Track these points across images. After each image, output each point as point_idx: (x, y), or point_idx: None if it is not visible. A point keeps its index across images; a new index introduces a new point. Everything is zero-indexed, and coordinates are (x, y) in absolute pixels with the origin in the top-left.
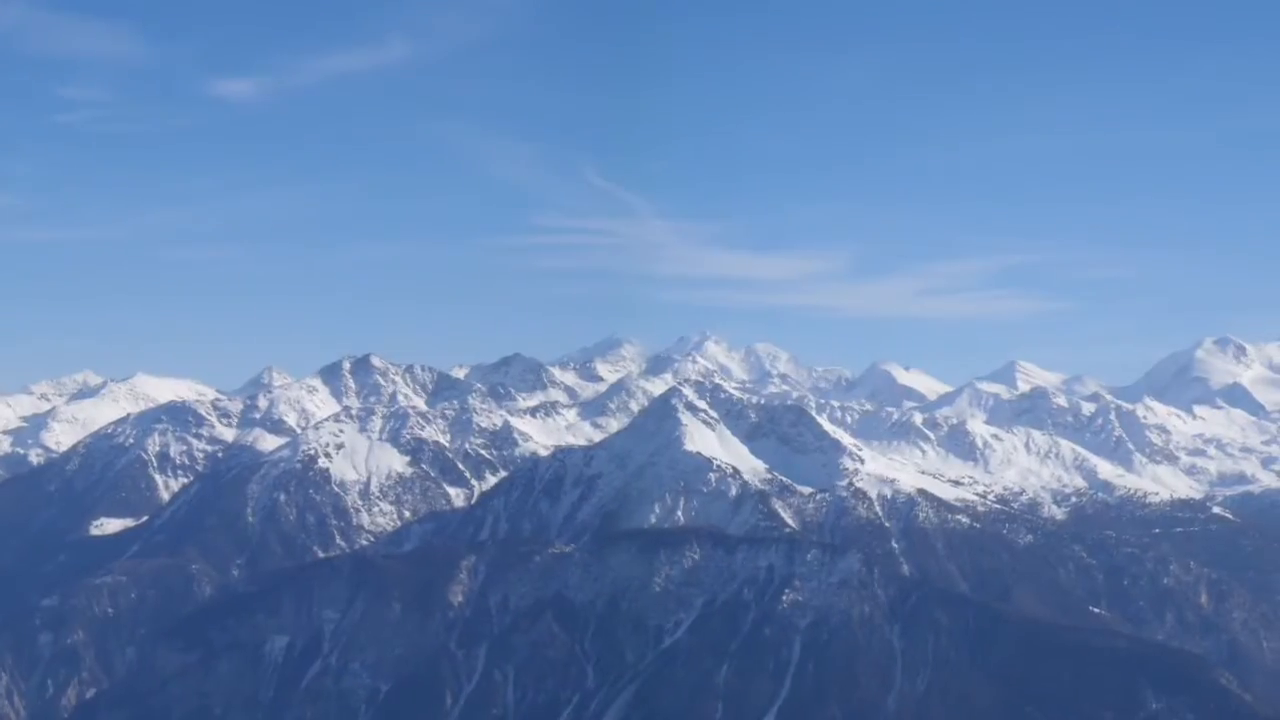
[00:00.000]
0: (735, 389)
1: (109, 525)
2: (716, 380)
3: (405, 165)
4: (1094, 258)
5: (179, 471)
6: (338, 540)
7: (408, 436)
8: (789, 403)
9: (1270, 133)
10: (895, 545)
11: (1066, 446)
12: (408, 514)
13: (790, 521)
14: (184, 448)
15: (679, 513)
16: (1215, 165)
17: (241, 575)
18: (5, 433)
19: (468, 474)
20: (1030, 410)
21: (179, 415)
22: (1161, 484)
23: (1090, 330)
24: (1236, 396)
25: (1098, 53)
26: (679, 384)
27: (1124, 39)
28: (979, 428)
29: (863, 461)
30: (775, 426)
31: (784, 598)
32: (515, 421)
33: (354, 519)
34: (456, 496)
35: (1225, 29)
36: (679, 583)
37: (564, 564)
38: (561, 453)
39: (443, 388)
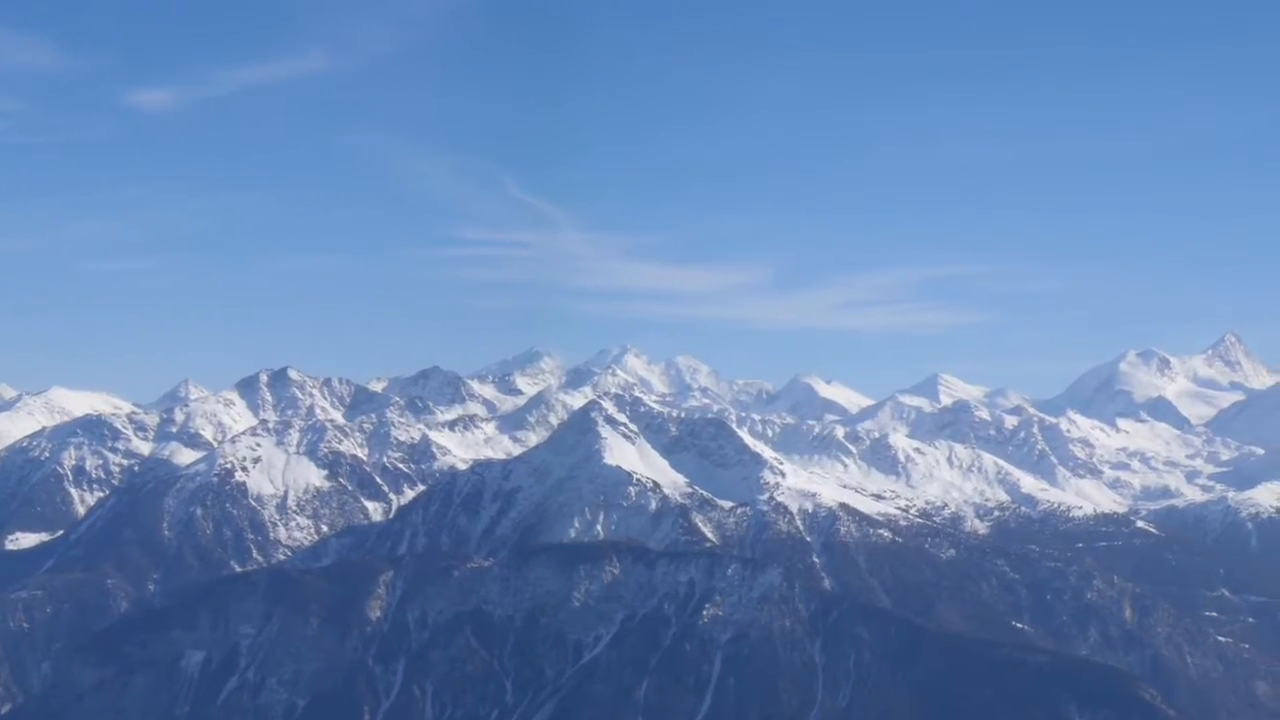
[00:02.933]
0: (655, 402)
1: (24, 539)
2: (637, 393)
3: (324, 177)
4: (1017, 270)
5: (95, 485)
6: (254, 555)
7: (325, 450)
8: (710, 416)
9: (1195, 145)
10: (816, 560)
11: (989, 460)
12: (325, 528)
13: (711, 536)
14: (100, 461)
15: (599, 527)
16: (1139, 177)
17: (158, 590)
18: None
19: (386, 488)
20: (953, 424)
21: (94, 429)
22: (1085, 498)
23: (1013, 343)
24: (1161, 409)
25: (1022, 64)
26: (599, 397)
27: (1048, 50)
28: (901, 441)
29: (784, 475)
30: (696, 440)
31: (704, 612)
32: (434, 435)
33: (271, 533)
34: (374, 510)
35: (1153, 40)
36: (599, 597)
37: (483, 579)
38: (480, 466)
39: (360, 401)
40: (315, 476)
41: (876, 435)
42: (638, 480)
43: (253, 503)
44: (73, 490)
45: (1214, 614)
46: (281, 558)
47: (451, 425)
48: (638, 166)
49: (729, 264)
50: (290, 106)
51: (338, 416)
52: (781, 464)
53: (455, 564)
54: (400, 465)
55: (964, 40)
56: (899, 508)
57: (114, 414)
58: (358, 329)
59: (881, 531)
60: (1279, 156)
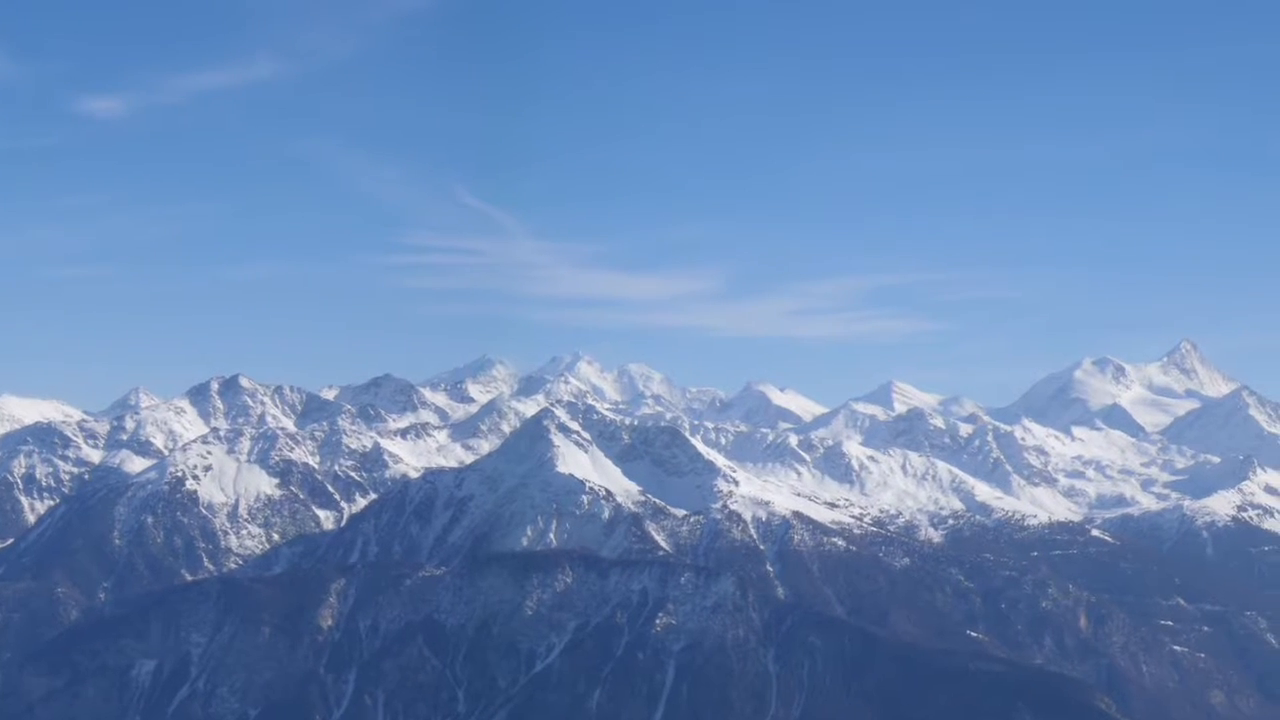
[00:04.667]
0: (608, 410)
1: None
2: (589, 401)
3: (274, 183)
4: (971, 277)
5: (45, 494)
6: (206, 563)
7: (276, 458)
8: (663, 424)
9: (1150, 152)
10: (770, 568)
11: (944, 468)
12: (276, 537)
13: (664, 544)
14: (50, 469)
15: (551, 535)
16: (1094, 184)
17: (108, 599)
18: None
19: (337, 496)
20: (907, 432)
21: (44, 437)
22: (1040, 506)
23: (968, 351)
24: (1116, 418)
25: (977, 70)
26: (551, 405)
27: (1004, 57)
28: (855, 449)
29: (737, 484)
30: (649, 448)
31: (657, 621)
32: (385, 443)
33: (222, 542)
34: (326, 519)
35: (1109, 48)
36: (551, 606)
37: (435, 587)
38: (432, 474)
39: (312, 409)
40: (266, 485)
41: (830, 443)
42: (590, 488)
43: (204, 511)
44: (23, 498)
45: (1169, 623)
46: (233, 566)
47: (403, 433)
48: (590, 174)
49: (682, 271)
50: (242, 113)
51: (289, 424)
52: (735, 472)
53: (407, 573)
54: (352, 473)
55: (918, 48)
56: (853, 516)
57: (64, 422)
58: (309, 336)
59: (835, 540)
60: (1235, 164)
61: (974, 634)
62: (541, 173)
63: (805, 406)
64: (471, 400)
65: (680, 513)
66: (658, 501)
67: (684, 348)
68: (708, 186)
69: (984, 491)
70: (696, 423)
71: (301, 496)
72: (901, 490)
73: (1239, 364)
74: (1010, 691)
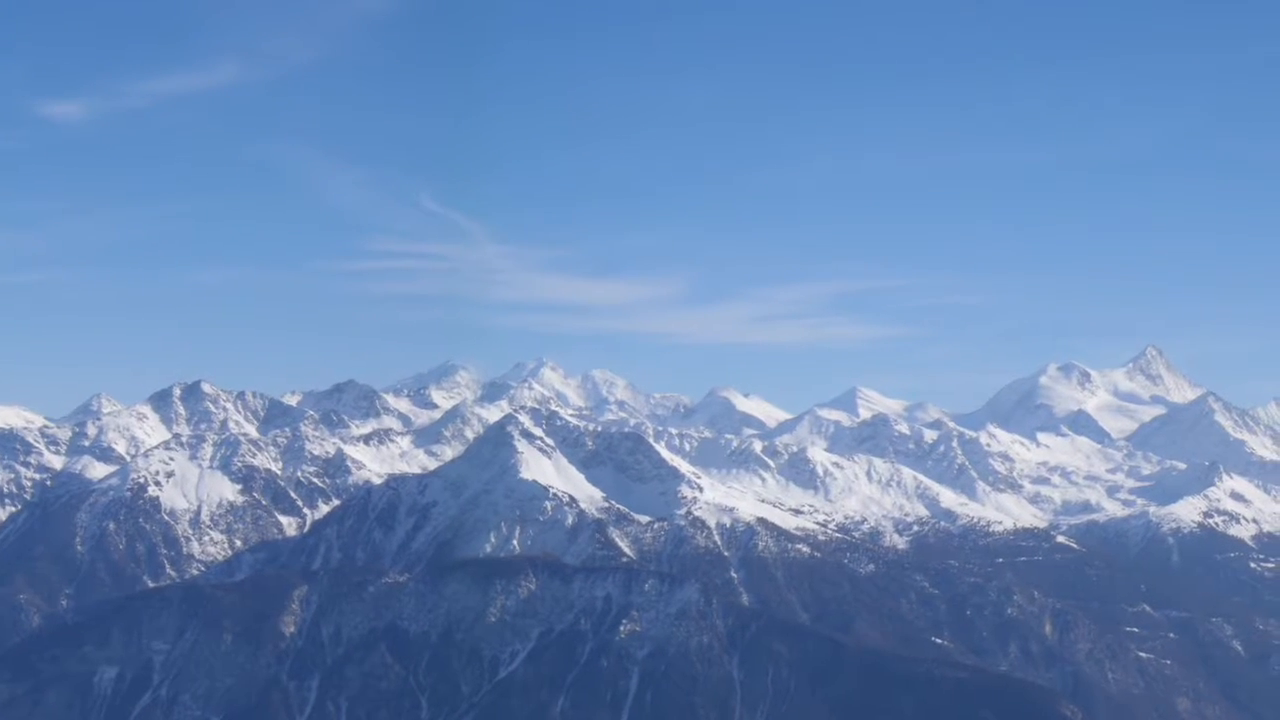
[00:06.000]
0: (572, 416)
1: None
2: (553, 407)
3: (237, 188)
4: (936, 283)
5: (6, 500)
6: (168, 570)
7: (239, 464)
8: (626, 430)
9: (1114, 158)
10: (734, 575)
11: (908, 475)
12: (239, 543)
13: (628, 551)
14: (11, 476)
15: (515, 542)
16: (1059, 190)
17: (70, 605)
18: None
19: (300, 502)
20: (872, 438)
21: (6, 443)
22: (1005, 513)
23: (932, 356)
24: (1081, 424)
25: (937, 75)
26: (515, 411)
27: (964, 61)
28: (820, 455)
29: (701, 490)
30: (613, 454)
31: (621, 628)
32: (348, 449)
33: (184, 548)
34: (289, 525)
35: (1072, 54)
36: (515, 613)
37: (398, 594)
38: (395, 481)
39: (275, 415)
40: (229, 491)
41: (795, 449)
42: (554, 495)
43: (166, 517)
44: None
45: (1135, 630)
46: (195, 573)
47: (366, 439)
48: (553, 179)
49: (646, 277)
50: (203, 118)
51: (251, 430)
52: (699, 478)
53: (370, 579)
54: (315, 479)
55: (878, 53)
56: (817, 522)
57: (26, 428)
58: (272, 342)
59: (800, 546)
60: (1199, 170)
61: (939, 641)
62: (505, 178)
63: (769, 413)
64: (435, 406)
65: (644, 519)
66: (621, 508)
67: (648, 354)
68: (671, 192)
69: (949, 498)
70: (660, 429)
71: (264, 503)
72: (866, 497)
73: (1205, 370)
74: (975, 698)
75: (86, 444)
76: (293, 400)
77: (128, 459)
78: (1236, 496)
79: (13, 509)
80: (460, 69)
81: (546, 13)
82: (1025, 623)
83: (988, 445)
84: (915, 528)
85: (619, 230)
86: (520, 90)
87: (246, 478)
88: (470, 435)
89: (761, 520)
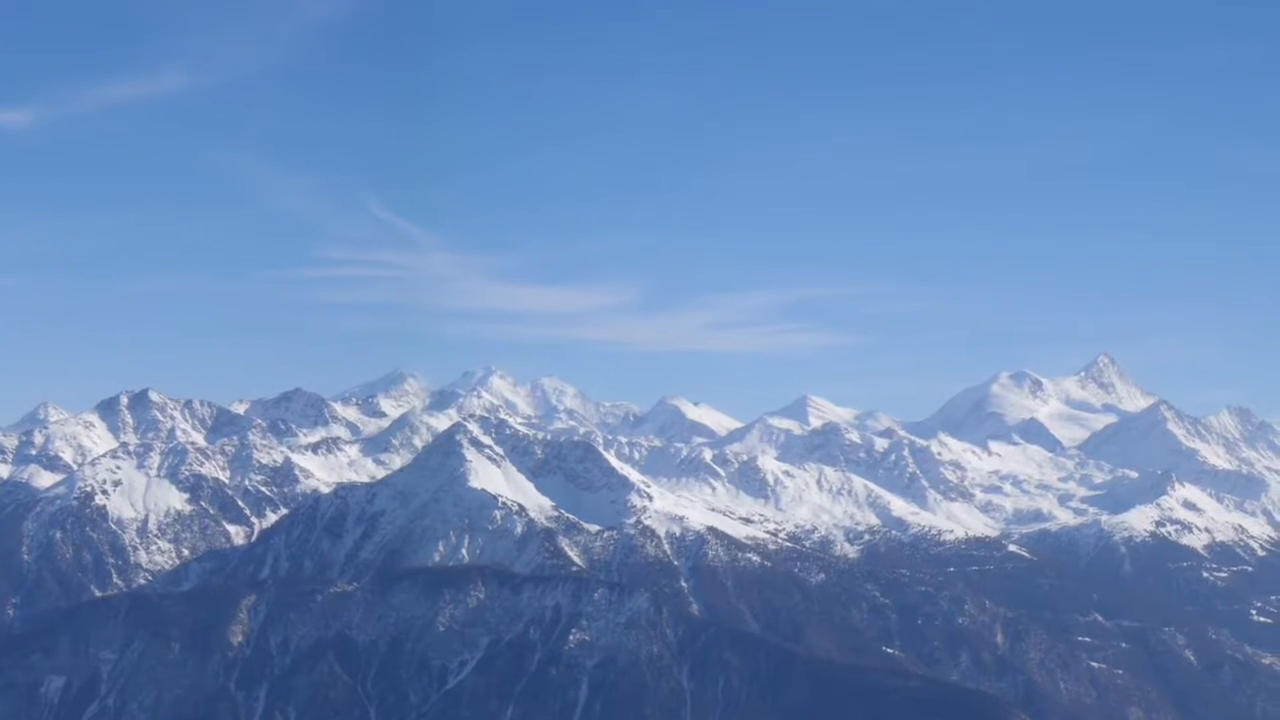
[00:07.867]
0: (521, 425)
1: None
2: (502, 415)
3: (184, 196)
4: (886, 291)
5: None
6: (115, 579)
7: (186, 473)
8: (576, 439)
9: (1066, 165)
10: (684, 584)
11: (859, 483)
12: (186, 552)
13: (577, 560)
14: None
15: (464, 551)
16: (1009, 197)
17: (17, 615)
18: None
19: (248, 511)
20: (822, 446)
21: None
22: (956, 521)
23: (883, 364)
24: (1033, 432)
25: (890, 82)
26: (464, 419)
27: (916, 69)
28: (770, 464)
29: (651, 499)
30: (562, 463)
31: (571, 638)
32: (296, 458)
33: (132, 557)
34: (236, 534)
35: (1023, 60)
36: (464, 622)
37: (346, 603)
38: (344, 489)
39: (222, 423)
40: (176, 499)
41: (745, 458)
42: (503, 503)
43: (113, 526)
44: None
45: (1087, 639)
46: (142, 582)
47: (314, 448)
48: (503, 187)
49: (595, 285)
50: (151, 125)
51: (199, 439)
52: (649, 487)
53: (318, 588)
54: (262, 488)
55: (830, 60)
56: (768, 531)
57: None
58: (219, 350)
59: (750, 555)
60: (1153, 178)
61: (890, 650)
62: (454, 185)
63: (720, 421)
64: (383, 414)
65: (594, 528)
66: (571, 517)
67: (597, 361)
68: (621, 199)
69: (900, 507)
70: (610, 437)
71: (212, 511)
72: (817, 505)
73: (1157, 378)
74: (927, 708)
75: (33, 452)
76: (241, 409)
77: (75, 467)
78: (1189, 505)
79: None
80: (410, 76)
81: (496, 19)
82: (977, 632)
83: (939, 454)
84: (866, 537)
85: (568, 238)
86: (469, 97)
87: (194, 487)
88: (419, 444)
89: (712, 529)
